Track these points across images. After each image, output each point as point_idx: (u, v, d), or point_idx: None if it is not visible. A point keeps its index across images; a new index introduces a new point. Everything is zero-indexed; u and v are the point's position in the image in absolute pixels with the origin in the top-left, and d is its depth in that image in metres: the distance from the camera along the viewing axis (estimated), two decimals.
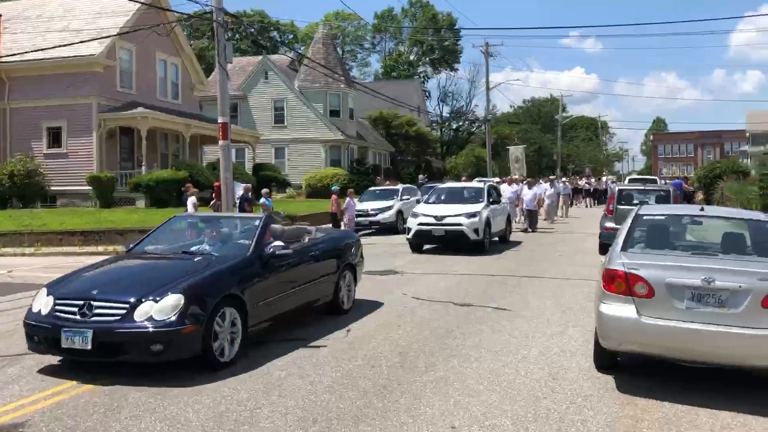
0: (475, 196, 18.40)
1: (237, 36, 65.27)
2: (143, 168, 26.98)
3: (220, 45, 19.53)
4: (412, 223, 17.19)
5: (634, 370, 6.57)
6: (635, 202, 17.48)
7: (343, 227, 22.63)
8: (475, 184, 20.81)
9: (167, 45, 31.18)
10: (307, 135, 43.86)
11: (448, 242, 16.95)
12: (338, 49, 73.66)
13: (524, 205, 23.76)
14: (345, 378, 6.44)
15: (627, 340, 5.95)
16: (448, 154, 65.08)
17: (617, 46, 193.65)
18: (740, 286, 5.62)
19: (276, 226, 9.07)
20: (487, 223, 17.13)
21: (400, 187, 26.15)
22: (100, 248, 19.47)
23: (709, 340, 5.64)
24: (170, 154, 31.42)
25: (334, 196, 25.02)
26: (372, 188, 27.55)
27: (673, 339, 5.75)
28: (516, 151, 47.47)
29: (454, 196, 18.83)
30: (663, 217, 7.29)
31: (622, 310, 5.94)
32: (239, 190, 20.58)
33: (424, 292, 11.29)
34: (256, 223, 8.32)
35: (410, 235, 17.14)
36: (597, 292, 6.52)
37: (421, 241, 17.24)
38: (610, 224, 16.76)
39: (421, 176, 45.31)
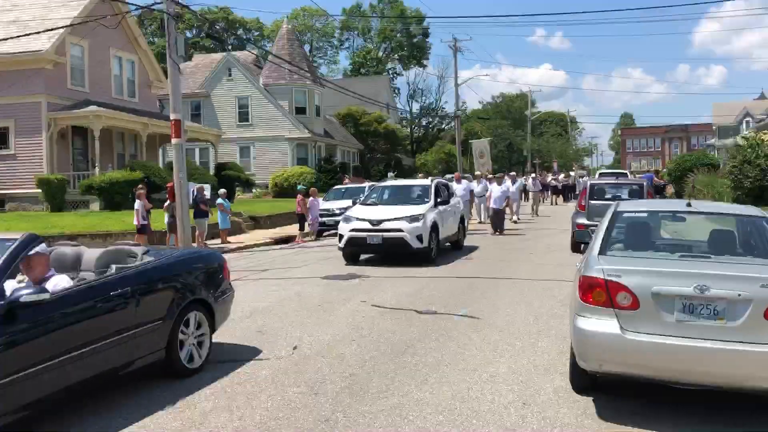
0: (420, 196, 15.73)
1: (201, 34, 63.81)
2: (97, 169, 25.68)
3: (171, 38, 18.40)
4: (344, 229, 14.44)
5: (616, 390, 5.73)
6: (608, 196, 16.83)
7: (307, 228, 21.70)
8: (421, 181, 18.06)
9: (122, 41, 29.86)
10: (272, 133, 42.74)
11: (387, 251, 14.56)
12: (306, 46, 72.49)
13: (491, 204, 21.42)
14: (281, 410, 5.50)
15: (609, 360, 5.10)
16: (418, 151, 64.33)
17: (584, 42, 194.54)
18: (739, 295, 4.80)
19: (64, 250, 6.47)
20: (434, 228, 14.51)
21: (366, 184, 25.21)
22: None
23: (704, 358, 4.82)
24: (127, 154, 30.08)
25: (299, 196, 24.04)
26: (338, 186, 26.58)
27: (663, 358, 4.92)
28: (480, 145, 45.82)
29: (397, 196, 16.11)
30: (645, 214, 6.45)
31: (602, 324, 5.10)
32: (192, 190, 19.49)
33: (387, 298, 10.39)
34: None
35: (342, 244, 14.48)
36: (572, 303, 5.67)
37: (356, 251, 14.73)
38: (582, 220, 16.05)
39: (390, 173, 44.53)
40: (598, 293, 5.16)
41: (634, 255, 5.65)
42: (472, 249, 16.81)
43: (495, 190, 21.68)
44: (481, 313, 9.17)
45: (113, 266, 6.00)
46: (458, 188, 21.21)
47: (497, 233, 20.63)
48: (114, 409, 5.53)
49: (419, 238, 13.92)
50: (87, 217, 21.86)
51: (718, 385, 4.92)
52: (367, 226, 14.19)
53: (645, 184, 16.68)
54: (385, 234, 14.00)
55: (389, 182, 19.04)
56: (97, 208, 24.71)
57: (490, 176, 25.39)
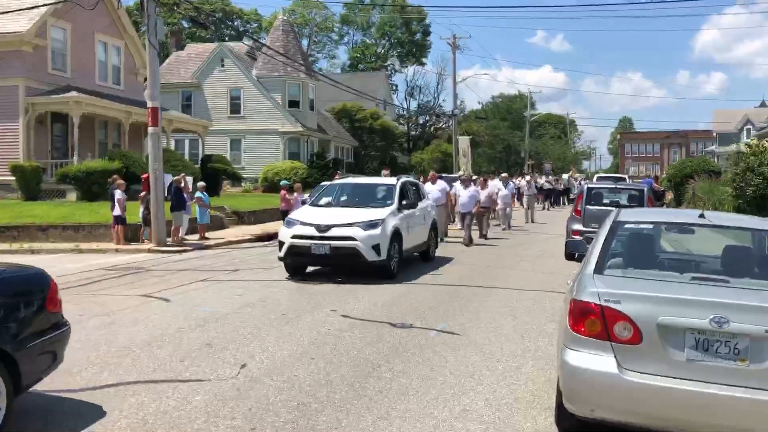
0: (382, 198, 13.26)
1: (193, 26, 62.67)
2: (75, 158, 24.66)
3: (151, 20, 17.46)
4: (285, 235, 11.99)
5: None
6: (606, 201, 15.91)
7: None
8: (384, 179, 15.29)
9: (108, 25, 28.78)
10: (264, 126, 41.70)
11: (336, 264, 12.24)
12: (304, 39, 71.43)
13: (458, 208, 18.54)
14: None
15: (602, 404, 4.16)
16: (414, 150, 63.29)
17: (585, 45, 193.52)
18: (766, 331, 3.88)
19: None
20: (396, 236, 12.13)
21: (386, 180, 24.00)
22: (16, 245, 17.29)
23: (720, 408, 3.89)
24: (110, 143, 29.03)
25: (282, 192, 23.08)
26: (325, 183, 25.55)
27: (669, 405, 3.98)
28: (463, 143, 43.66)
29: (355, 197, 13.58)
30: (650, 226, 5.51)
31: (595, 361, 4.16)
32: (168, 181, 18.53)
33: (360, 308, 9.44)
34: None
35: (281, 253, 12.04)
36: (560, 331, 4.73)
37: (299, 262, 12.21)
38: (578, 226, 15.14)
39: (384, 171, 43.53)
40: (591, 322, 4.22)
41: (636, 275, 4.70)
42: (446, 261, 14.59)
43: (462, 193, 18.52)
44: (461, 328, 8.24)
45: None
46: (433, 189, 18.37)
47: (469, 243, 17.66)
48: None
49: (376, 248, 11.58)
50: (61, 207, 20.86)
51: None
52: (313, 232, 11.72)
53: (645, 189, 15.75)
54: (334, 243, 11.59)
55: (347, 180, 15.62)
56: (74, 198, 23.71)
57: (463, 177, 21.83)
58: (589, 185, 17.39)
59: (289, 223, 12.26)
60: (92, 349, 7.08)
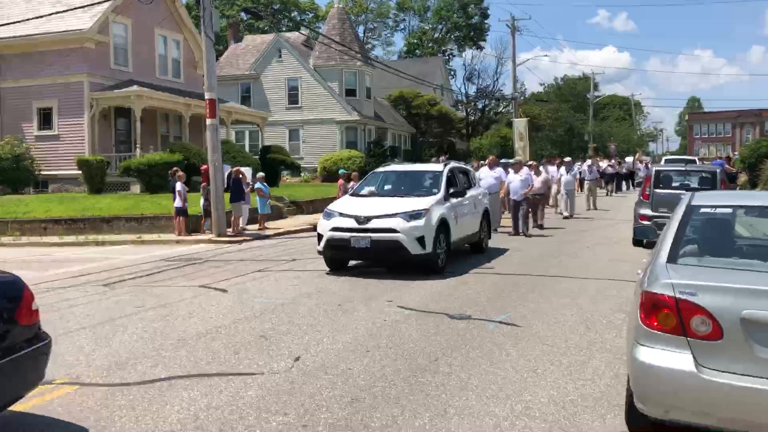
0: (428, 186, 12.45)
1: (251, 17, 63.26)
2: (138, 151, 25.20)
3: (206, 12, 17.57)
4: (323, 228, 11.40)
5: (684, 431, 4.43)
6: (675, 184, 15.23)
7: None
8: (431, 166, 14.53)
9: (167, 20, 29.24)
10: (322, 115, 41.82)
11: (377, 258, 11.57)
12: (360, 27, 71.32)
13: (511, 195, 16.98)
14: None
15: (678, 405, 3.81)
16: (473, 135, 62.46)
17: (650, 23, 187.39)
18: None
19: None
20: (442, 227, 11.34)
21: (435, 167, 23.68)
22: (81, 238, 17.77)
23: None
24: (171, 136, 29.58)
25: (340, 181, 23.15)
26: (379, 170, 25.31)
27: (754, 408, 3.61)
28: (519, 126, 40.95)
29: (399, 186, 12.85)
30: (729, 210, 5.06)
31: (670, 358, 3.81)
32: (227, 172, 18.68)
33: (416, 298, 9.21)
34: None
35: (320, 246, 11.46)
36: (630, 325, 4.38)
37: (339, 255, 11.56)
38: (646, 211, 14.53)
39: (442, 157, 43.05)
40: (665, 316, 3.86)
41: (714, 264, 4.30)
42: (500, 252, 13.75)
43: (513, 179, 17.15)
44: (522, 319, 7.91)
45: None
46: (488, 175, 17.54)
47: (516, 234, 16.56)
48: None
49: (420, 240, 10.79)
50: (123, 200, 21.34)
51: None
52: (353, 224, 11.04)
53: (718, 171, 14.94)
54: (375, 235, 10.83)
55: (390, 167, 14.66)
56: (137, 190, 24.30)
57: (520, 162, 20.06)
58: (658, 168, 16.66)
59: (328, 215, 11.60)
60: (148, 341, 7.06)
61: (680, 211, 4.83)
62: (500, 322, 7.76)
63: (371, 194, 12.52)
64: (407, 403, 5.20)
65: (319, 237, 11.50)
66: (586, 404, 5.18)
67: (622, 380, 5.65)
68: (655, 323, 3.90)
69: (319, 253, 11.63)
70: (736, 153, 49.06)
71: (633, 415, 4.39)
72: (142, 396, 5.38)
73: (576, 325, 7.64)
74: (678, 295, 3.83)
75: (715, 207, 5.02)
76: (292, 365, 6.14)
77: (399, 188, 12.73)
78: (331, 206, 12.07)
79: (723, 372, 3.69)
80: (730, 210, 5.05)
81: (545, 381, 5.72)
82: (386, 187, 13.00)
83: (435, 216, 11.17)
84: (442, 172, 12.59)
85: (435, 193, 11.90)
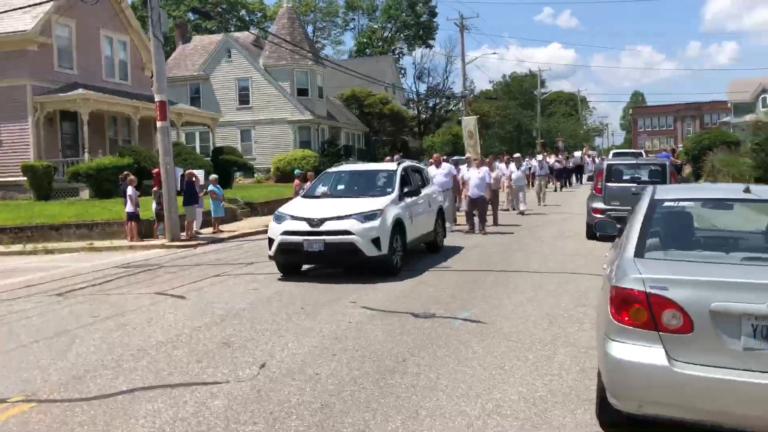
0: (382, 186, 12.17)
1: (198, 17, 62.28)
2: (86, 155, 24.51)
3: (154, 13, 17.17)
4: (274, 232, 10.98)
5: (655, 425, 4.46)
6: (626, 178, 15.57)
7: None
8: (384, 165, 14.13)
9: (113, 21, 28.55)
10: (274, 115, 41.45)
11: (333, 261, 11.25)
12: (309, 26, 70.90)
13: (468, 193, 16.76)
14: None
15: (652, 399, 3.84)
16: (425, 133, 62.75)
17: (592, 20, 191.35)
18: None
19: None
20: (398, 228, 11.06)
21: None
22: (29, 246, 17.16)
23: None
24: (120, 139, 28.88)
25: (296, 181, 22.86)
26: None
27: (725, 399, 3.67)
28: (469, 123, 39.74)
29: (352, 186, 12.58)
30: (692, 203, 5.15)
31: (643, 353, 3.84)
32: (179, 175, 18.31)
33: (379, 298, 9.16)
34: None
35: (271, 251, 11.07)
36: (600, 320, 4.41)
37: (291, 260, 11.16)
38: (599, 205, 14.85)
39: (396, 156, 43.07)
40: (636, 311, 3.90)
41: (680, 258, 4.36)
42: (456, 250, 13.60)
43: (472, 175, 16.83)
44: (486, 316, 7.94)
45: None
46: (437, 173, 17.14)
47: (473, 231, 16.37)
48: None
49: (375, 242, 10.49)
50: (72, 206, 20.74)
51: None
52: (305, 227, 10.63)
53: (668, 164, 15.31)
54: (329, 238, 10.45)
55: (343, 167, 14.05)
56: (86, 196, 23.65)
57: (474, 159, 20.20)
58: (609, 162, 16.98)
59: (279, 218, 11.18)
60: (106, 352, 6.84)
61: (644, 205, 4.88)
62: (465, 320, 7.77)
63: (324, 195, 12.20)
64: (378, 406, 5.14)
65: (270, 241, 11.07)
66: (556, 400, 5.20)
67: (588, 374, 5.71)
68: (626, 318, 3.93)
69: (270, 258, 11.21)
70: (680, 145, 50.44)
71: (605, 410, 4.42)
72: (104, 411, 5.19)
73: (539, 320, 7.71)
74: (648, 290, 3.86)
75: (678, 200, 5.11)
76: (258, 372, 6.02)
77: (352, 188, 12.46)
78: (282, 209, 11.70)
79: (695, 365, 3.74)
80: (692, 203, 5.14)
81: (513, 378, 5.74)
82: (339, 188, 12.70)
83: (390, 216, 10.92)
84: (396, 171, 12.34)
85: (389, 193, 11.62)
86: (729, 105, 76.73)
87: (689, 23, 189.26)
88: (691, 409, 3.75)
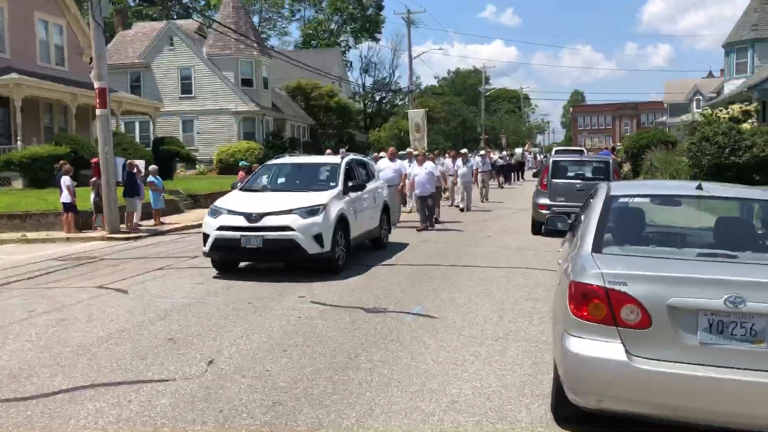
0: (325, 179, 11.73)
1: (140, 2, 60.61)
2: (19, 143, 23.50)
3: None
4: (210, 227, 10.34)
5: (613, 422, 4.49)
6: (571, 174, 15.85)
7: None
8: (327, 158, 13.77)
9: (49, 4, 27.31)
10: (217, 106, 40.61)
11: (271, 258, 10.77)
12: (254, 16, 69.77)
13: (415, 190, 16.51)
14: None
15: (611, 394, 3.85)
16: (372, 127, 62.70)
17: (534, 18, 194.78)
18: None
19: None
20: (341, 223, 10.64)
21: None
22: None
23: (736, 394, 3.62)
24: (56, 127, 27.79)
25: (241, 173, 22.44)
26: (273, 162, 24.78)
27: (682, 393, 3.70)
28: (416, 116, 38.82)
29: (294, 179, 12.06)
30: (645, 199, 5.20)
31: (601, 348, 3.84)
32: (120, 165, 17.73)
33: (328, 292, 9.03)
34: None
35: (206, 248, 10.40)
36: (557, 315, 4.40)
37: (227, 258, 10.64)
38: (544, 200, 15.07)
39: (342, 150, 42.86)
40: (595, 306, 3.89)
41: (636, 253, 4.38)
42: (402, 246, 13.28)
43: (418, 171, 16.43)
44: (437, 310, 7.91)
45: None
46: (388, 167, 16.68)
47: (424, 228, 15.89)
48: None
49: (317, 238, 10.00)
50: (5, 196, 19.81)
51: (755, 430, 3.71)
52: (242, 222, 10.05)
53: (611, 161, 15.65)
54: (268, 234, 9.90)
55: (285, 159, 13.16)
56: (20, 185, 22.64)
57: (416, 153, 19.52)
58: (555, 158, 17.23)
59: (215, 212, 10.52)
60: (44, 349, 6.51)
61: (599, 201, 4.90)
62: (417, 314, 7.72)
63: (264, 189, 11.66)
64: (331, 403, 5.03)
65: (205, 237, 10.39)
66: (510, 395, 5.19)
67: (541, 368, 5.73)
68: (585, 313, 3.93)
69: (205, 255, 10.58)
70: (618, 144, 51.71)
71: (561, 404, 4.42)
72: (42, 411, 4.92)
73: (489, 314, 7.72)
74: (608, 285, 3.87)
75: (632, 196, 5.15)
76: (206, 369, 5.83)
77: (294, 182, 11.93)
78: (219, 202, 11.05)
79: (653, 360, 3.76)
80: (646, 199, 5.20)
81: (467, 373, 5.70)
82: (280, 181, 12.14)
83: (333, 211, 10.46)
84: (340, 164, 11.87)
85: (333, 187, 11.12)
86: (665, 105, 79.25)
87: (626, 24, 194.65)
88: (650, 404, 3.77)
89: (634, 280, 3.85)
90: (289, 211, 10.08)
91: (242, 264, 11.23)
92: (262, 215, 10.04)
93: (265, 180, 12.12)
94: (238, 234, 10.03)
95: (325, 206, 10.34)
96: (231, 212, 10.31)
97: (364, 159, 14.79)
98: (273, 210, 10.12)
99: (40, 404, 5.05)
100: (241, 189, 11.91)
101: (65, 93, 25.94)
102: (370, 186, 12.77)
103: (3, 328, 7.35)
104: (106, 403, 5.05)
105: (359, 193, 11.92)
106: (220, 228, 10.19)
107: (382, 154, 18.79)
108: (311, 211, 10.15)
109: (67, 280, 10.48)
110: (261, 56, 41.62)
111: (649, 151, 30.82)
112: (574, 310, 3.98)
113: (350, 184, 11.63)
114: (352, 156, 13.50)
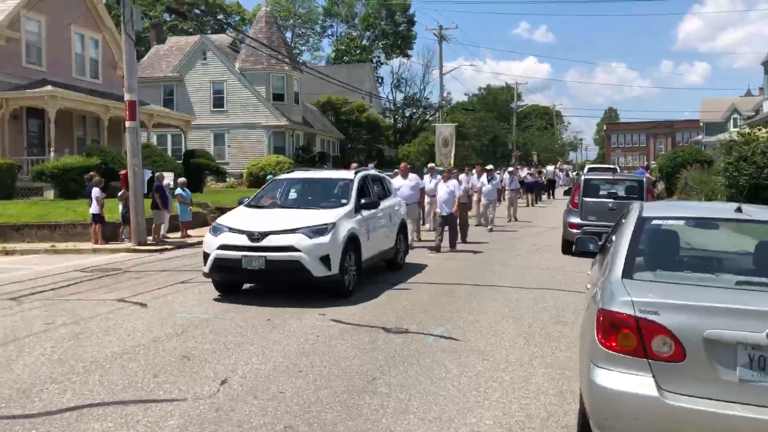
0: (336, 196, 11.00)
1: (174, 17, 61.53)
2: (52, 154, 23.82)
3: (126, 9, 16.69)
4: (210, 246, 9.69)
5: None
6: (603, 193, 15.48)
7: None
8: (341, 173, 12.42)
9: (85, 18, 27.85)
10: (248, 120, 40.90)
11: (274, 280, 10.05)
12: (287, 32, 70.49)
13: (437, 209, 15.27)
14: None
15: (639, 431, 3.58)
16: (401, 142, 62.61)
17: (568, 36, 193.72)
18: None
19: None
20: (351, 244, 9.89)
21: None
22: None
23: None
24: (89, 139, 28.18)
25: None
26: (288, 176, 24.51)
27: None
28: (445, 131, 37.36)
29: (304, 195, 11.44)
30: (679, 222, 4.91)
31: (631, 382, 3.57)
32: (147, 177, 17.81)
33: (350, 310, 8.82)
34: None
35: (206, 268, 9.73)
36: (584, 344, 4.14)
37: (228, 278, 9.95)
38: (575, 219, 14.71)
39: (370, 164, 42.75)
40: (625, 336, 3.62)
41: (670, 279, 4.10)
42: (420, 268, 12.54)
43: (440, 189, 15.37)
44: (460, 332, 7.65)
45: None
46: (404, 185, 15.93)
47: (437, 249, 14.81)
48: None
49: (324, 260, 9.25)
50: (36, 206, 20.03)
51: None
52: (244, 241, 9.35)
53: (644, 180, 15.25)
54: (271, 254, 9.18)
55: (295, 174, 12.48)
56: (51, 196, 22.92)
57: (442, 169, 18.45)
58: (586, 176, 16.85)
59: (216, 230, 9.87)
60: (56, 364, 6.40)
61: (631, 222, 4.63)
62: (439, 336, 7.47)
63: (271, 205, 11.04)
64: (345, 429, 4.81)
65: (205, 256, 9.72)
66: (533, 426, 4.92)
67: (566, 398, 5.45)
68: (614, 344, 3.66)
69: (205, 275, 9.88)
70: (653, 162, 50.85)
71: None
72: (47, 429, 4.78)
73: (515, 338, 7.44)
74: (638, 314, 3.60)
75: (666, 218, 4.86)
76: (218, 389, 5.65)
77: (304, 198, 11.27)
78: (221, 219, 10.45)
79: (687, 396, 3.47)
80: (680, 222, 4.91)
81: (489, 400, 5.44)
82: (290, 197, 11.47)
83: (343, 231, 9.72)
84: (353, 180, 11.07)
85: (344, 205, 10.43)
86: (701, 124, 77.95)
87: (661, 42, 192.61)
88: None
89: (666, 309, 3.58)
90: (295, 230, 9.39)
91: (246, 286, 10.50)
92: (265, 234, 9.33)
93: (273, 196, 11.54)
94: (239, 254, 9.33)
95: (333, 225, 9.63)
96: (233, 230, 9.65)
97: (381, 174, 13.77)
98: (277, 229, 9.43)
99: (46, 422, 4.92)
100: (247, 205, 11.17)
101: (98, 105, 26.28)
102: (385, 203, 12.09)
103: (19, 341, 7.28)
104: (113, 423, 4.90)
105: (373, 211, 11.18)
106: (221, 247, 9.53)
107: (396, 171, 17.65)
108: (318, 231, 9.44)
109: (89, 292, 10.43)
110: (292, 71, 41.87)
111: (685, 170, 30.21)
112: (602, 340, 3.72)
113: (363, 201, 10.91)
114: (366, 171, 12.68)
